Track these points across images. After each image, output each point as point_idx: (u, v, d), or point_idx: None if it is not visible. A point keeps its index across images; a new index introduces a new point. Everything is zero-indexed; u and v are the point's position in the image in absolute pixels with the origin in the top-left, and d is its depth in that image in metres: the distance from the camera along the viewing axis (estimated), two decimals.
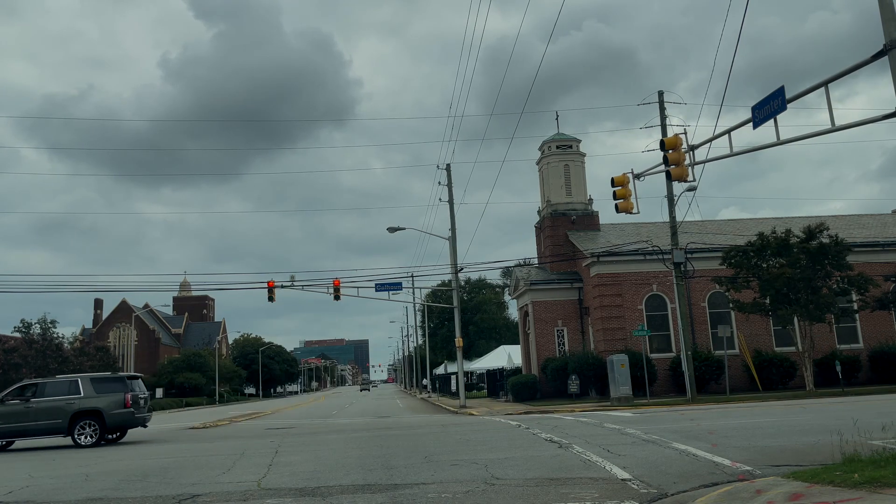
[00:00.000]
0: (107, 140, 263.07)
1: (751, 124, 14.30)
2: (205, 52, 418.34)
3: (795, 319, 30.16)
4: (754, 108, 14.07)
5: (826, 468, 7.73)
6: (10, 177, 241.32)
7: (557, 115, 43.43)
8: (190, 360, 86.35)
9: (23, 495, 10.11)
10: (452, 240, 35.33)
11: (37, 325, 47.96)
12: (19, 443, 21.85)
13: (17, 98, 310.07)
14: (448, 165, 35.92)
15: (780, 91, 13.30)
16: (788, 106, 13.19)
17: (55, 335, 48.05)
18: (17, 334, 46.95)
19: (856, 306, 31.43)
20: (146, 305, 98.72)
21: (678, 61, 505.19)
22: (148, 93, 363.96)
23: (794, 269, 28.23)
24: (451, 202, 35.48)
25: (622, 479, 8.81)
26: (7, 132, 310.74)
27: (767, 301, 29.65)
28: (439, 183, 36.26)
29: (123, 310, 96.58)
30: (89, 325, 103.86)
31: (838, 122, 12.31)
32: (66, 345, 49.25)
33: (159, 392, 77.89)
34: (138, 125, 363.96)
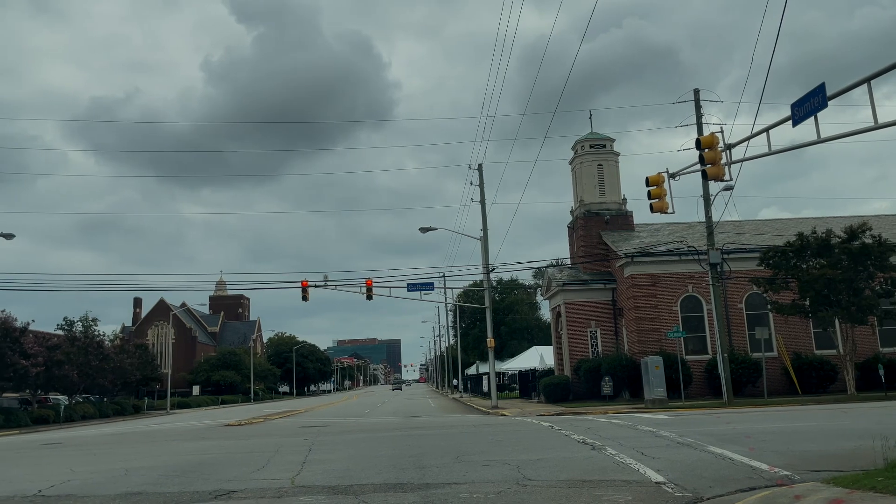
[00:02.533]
0: (150, 142, 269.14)
1: (790, 122, 14.01)
2: (246, 55, 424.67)
3: (836, 321, 29.46)
4: (794, 106, 13.78)
5: (867, 474, 7.54)
6: (58, 178, 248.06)
7: (591, 115, 43.13)
8: (226, 359, 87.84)
9: (64, 489, 10.37)
10: (484, 240, 35.30)
11: (79, 322, 49.20)
12: (61, 437, 22.43)
13: (65, 102, 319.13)
14: (480, 166, 35.88)
15: (821, 88, 13.00)
16: (831, 103, 12.89)
17: (96, 333, 49.19)
18: (60, 332, 48.19)
19: None
20: (183, 304, 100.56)
21: (721, 59, 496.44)
22: (191, 95, 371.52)
23: (835, 270, 27.58)
24: (482, 202, 35.46)
25: (656, 483, 8.71)
26: (56, 135, 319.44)
27: (807, 303, 29.01)
28: (471, 183, 36.31)
29: (161, 308, 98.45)
30: (129, 323, 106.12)
31: (883, 120, 12.00)
32: (106, 342, 50.38)
33: (196, 389, 79.45)
34: (181, 127, 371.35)
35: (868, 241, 28.08)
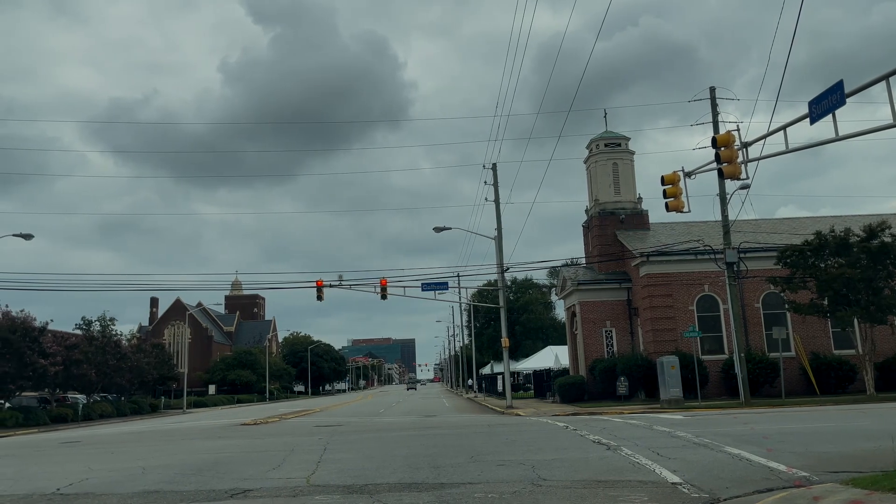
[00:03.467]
0: (168, 143, 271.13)
1: (807, 120, 13.87)
2: (263, 56, 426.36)
3: (855, 321, 29.15)
4: (811, 104, 13.64)
5: (887, 475, 7.45)
6: (77, 179, 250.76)
7: (606, 113, 42.94)
8: (241, 358, 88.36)
9: (83, 487, 10.48)
10: (498, 239, 35.26)
11: (97, 322, 49.63)
12: (79, 435, 22.66)
13: (83, 104, 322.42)
14: (494, 165, 35.86)
15: (839, 85, 12.86)
16: (849, 101, 12.73)
17: (114, 332, 49.64)
18: (79, 331, 48.67)
19: None
20: (199, 304, 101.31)
21: (737, 57, 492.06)
22: (208, 96, 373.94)
23: (854, 269, 27.29)
24: (496, 202, 35.41)
25: (672, 483, 8.66)
26: (74, 137, 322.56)
27: (825, 302, 28.72)
28: (485, 182, 36.26)
29: (178, 308, 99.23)
30: (146, 322, 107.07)
31: None
32: (124, 342, 50.78)
33: (212, 388, 79.99)
34: (198, 128, 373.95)
35: (887, 239, 27.76)
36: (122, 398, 50.44)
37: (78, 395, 46.76)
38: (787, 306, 30.96)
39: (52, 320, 41.26)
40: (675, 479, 8.92)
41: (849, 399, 26.92)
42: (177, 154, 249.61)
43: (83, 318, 49.30)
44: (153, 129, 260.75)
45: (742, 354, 27.72)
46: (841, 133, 13.41)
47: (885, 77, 11.89)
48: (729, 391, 31.11)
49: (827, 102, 13.14)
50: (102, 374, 44.35)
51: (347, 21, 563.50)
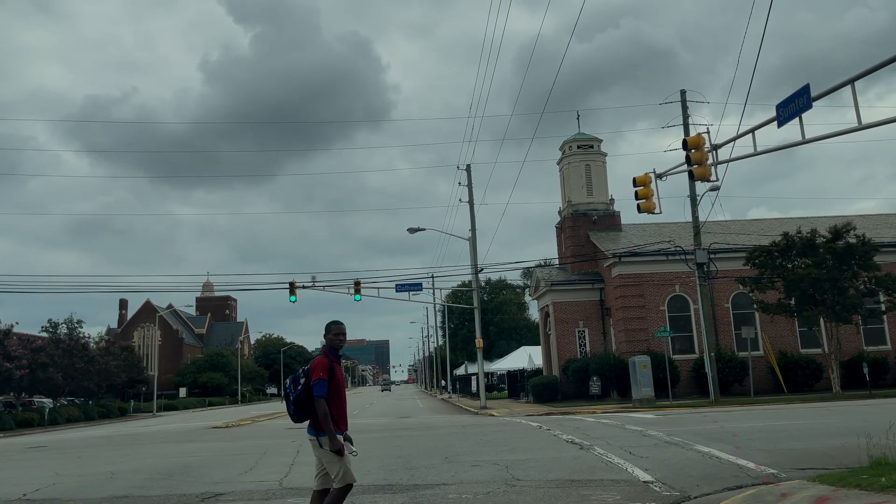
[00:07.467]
0: (146, 142, 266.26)
1: (775, 123, 14.13)
2: (243, 55, 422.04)
3: (821, 320, 29.71)
4: (779, 107, 13.90)
5: (852, 471, 7.61)
6: (50, 179, 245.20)
7: (578, 115, 43.27)
8: (213, 360, 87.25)
9: (49, 493, 10.27)
10: (472, 240, 35.31)
11: (63, 324, 48.67)
12: (46, 440, 22.19)
13: (60, 102, 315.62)
14: (468, 166, 35.89)
15: (806, 89, 13.13)
16: (820, 104, 13.05)
17: (81, 335, 48.74)
18: (45, 334, 47.69)
19: (883, 307, 30.83)
20: (170, 306, 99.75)
21: (716, 60, 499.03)
22: (187, 95, 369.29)
23: (820, 270, 27.82)
24: (471, 203, 35.46)
25: (644, 482, 8.75)
26: (50, 136, 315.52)
27: (792, 302, 29.23)
28: (459, 183, 36.30)
29: (148, 310, 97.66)
30: (114, 325, 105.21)
31: (867, 121, 12.13)
32: (91, 345, 49.90)
33: (182, 391, 78.88)
34: (177, 127, 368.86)
35: (852, 240, 28.35)
36: (90, 402, 49.52)
37: (44, 399, 45.83)
38: (755, 306, 31.44)
39: (17, 322, 40.63)
40: (647, 477, 9.01)
41: (816, 397, 27.44)
42: (154, 154, 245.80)
43: (49, 321, 48.34)
44: (131, 128, 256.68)
45: (712, 354, 28.10)
46: (808, 136, 13.69)
47: (851, 81, 12.16)
48: (699, 390, 31.52)
49: (794, 106, 13.40)
50: (69, 378, 43.51)
51: (329, 21, 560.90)
